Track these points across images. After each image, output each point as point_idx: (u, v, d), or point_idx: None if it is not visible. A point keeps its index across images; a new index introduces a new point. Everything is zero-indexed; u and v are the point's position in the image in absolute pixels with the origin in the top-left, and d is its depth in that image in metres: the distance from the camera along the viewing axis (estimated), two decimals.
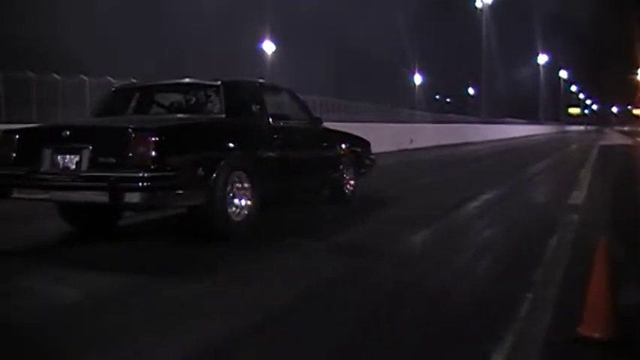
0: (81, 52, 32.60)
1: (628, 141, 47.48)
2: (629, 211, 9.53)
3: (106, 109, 8.14)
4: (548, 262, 5.83)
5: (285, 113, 9.18)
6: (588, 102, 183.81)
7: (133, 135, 6.14)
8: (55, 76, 23.42)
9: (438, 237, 7.69)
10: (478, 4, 56.66)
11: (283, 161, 7.99)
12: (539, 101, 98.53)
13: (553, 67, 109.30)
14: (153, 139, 6.04)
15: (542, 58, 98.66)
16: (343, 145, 9.86)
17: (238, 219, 6.96)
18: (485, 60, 56.54)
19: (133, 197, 5.98)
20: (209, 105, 7.86)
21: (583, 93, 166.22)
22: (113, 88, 9.09)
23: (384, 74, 63.28)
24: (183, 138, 6.67)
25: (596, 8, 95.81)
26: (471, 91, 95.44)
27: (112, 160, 6.19)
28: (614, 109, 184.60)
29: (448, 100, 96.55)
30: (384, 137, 27.41)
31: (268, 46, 55.97)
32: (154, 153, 5.99)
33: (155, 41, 39.77)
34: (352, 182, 9.93)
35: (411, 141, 30.95)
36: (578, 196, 10.98)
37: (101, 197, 6.01)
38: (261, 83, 8.64)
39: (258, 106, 7.92)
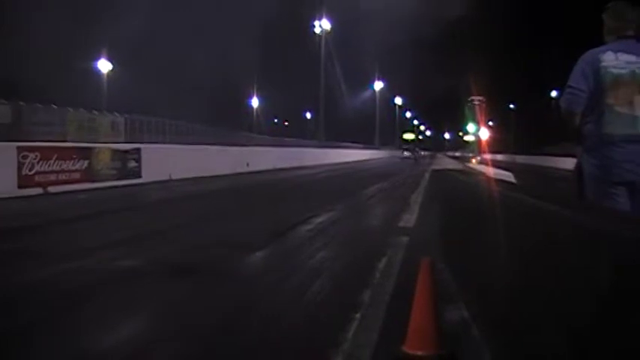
0: None
1: (458, 166, 49.80)
2: (456, 233, 9.95)
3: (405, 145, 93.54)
4: (376, 283, 5.94)
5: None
6: (422, 128, 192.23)
7: (417, 149, 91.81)
8: None
9: (274, 259, 7.73)
10: (317, 30, 57.79)
11: (415, 151, 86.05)
12: (375, 126, 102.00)
13: (390, 94, 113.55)
14: (422, 148, 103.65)
15: (379, 85, 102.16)
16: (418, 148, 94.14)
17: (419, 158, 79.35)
18: (323, 84, 57.69)
19: (419, 155, 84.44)
20: (416, 146, 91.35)
21: (417, 119, 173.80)
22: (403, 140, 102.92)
23: (223, 97, 63.10)
24: (417, 147, 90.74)
25: (433, 40, 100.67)
26: (308, 115, 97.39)
27: (417, 150, 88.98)
28: (447, 136, 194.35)
29: (286, 123, 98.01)
30: (221, 160, 27.51)
31: (104, 65, 54.33)
32: (417, 149, 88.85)
33: None
34: (420, 155, 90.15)
35: (248, 164, 31.16)
36: (409, 219, 11.35)
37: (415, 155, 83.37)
38: (418, 140, 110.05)
39: (418, 143, 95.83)
